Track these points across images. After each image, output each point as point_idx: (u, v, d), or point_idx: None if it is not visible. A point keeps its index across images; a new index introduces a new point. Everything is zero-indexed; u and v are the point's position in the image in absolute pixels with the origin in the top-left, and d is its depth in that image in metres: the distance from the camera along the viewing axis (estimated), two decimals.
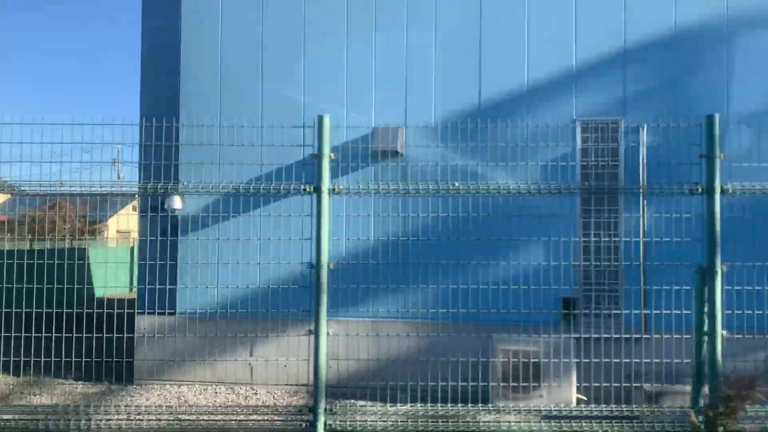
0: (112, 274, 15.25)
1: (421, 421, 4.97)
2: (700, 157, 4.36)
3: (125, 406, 4.93)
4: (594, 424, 4.91)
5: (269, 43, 7.85)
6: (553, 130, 6.87)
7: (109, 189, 5.90)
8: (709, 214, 4.18)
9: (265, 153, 5.25)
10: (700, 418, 4.17)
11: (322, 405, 4.32)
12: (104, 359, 6.21)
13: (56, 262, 6.58)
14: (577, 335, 6.46)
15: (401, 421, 4.89)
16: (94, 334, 6.07)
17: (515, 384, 6.29)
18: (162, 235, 7.07)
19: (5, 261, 6.64)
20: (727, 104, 6.99)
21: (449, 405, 5.04)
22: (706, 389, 4.37)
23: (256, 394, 7.31)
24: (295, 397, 7.08)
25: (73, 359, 5.94)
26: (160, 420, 4.64)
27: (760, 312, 4.97)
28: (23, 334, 5.84)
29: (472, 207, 6.59)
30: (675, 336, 5.30)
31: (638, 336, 6.20)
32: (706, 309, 4.31)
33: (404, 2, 7.65)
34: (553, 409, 5.22)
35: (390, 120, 7.48)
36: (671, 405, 5.11)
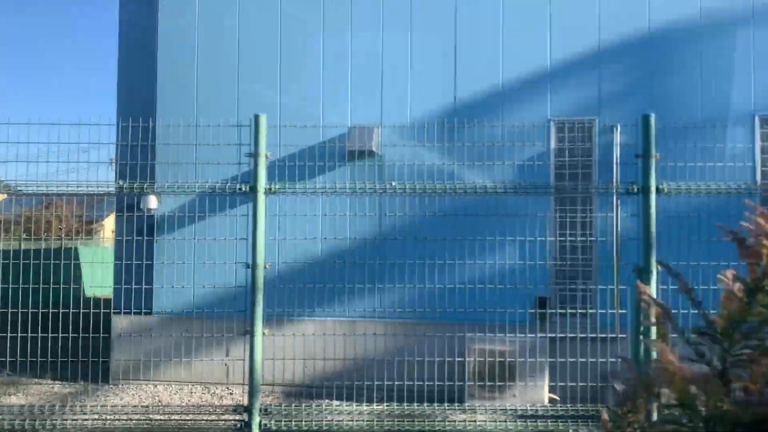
0: (102, 273, 15.19)
1: (387, 421, 4.98)
2: (636, 157, 4.34)
3: (90, 406, 4.92)
4: (561, 424, 4.92)
5: (245, 42, 7.85)
6: (527, 130, 6.87)
7: (86, 189, 5.92)
8: (644, 213, 4.16)
9: (224, 152, 5.21)
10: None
11: (257, 405, 4.29)
12: (80, 359, 6.19)
13: (41, 261, 6.56)
14: (551, 335, 6.46)
15: (367, 421, 4.89)
16: (71, 334, 6.06)
17: (489, 383, 6.30)
18: (138, 235, 7.07)
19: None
20: (701, 104, 7.01)
21: (423, 404, 5.04)
22: None
23: (231, 394, 7.30)
24: (270, 397, 7.07)
25: (49, 359, 5.93)
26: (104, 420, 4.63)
27: (695, 312, 4.95)
28: None
29: (447, 206, 6.61)
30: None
31: (613, 336, 6.21)
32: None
33: (380, 3, 7.65)
34: (526, 408, 5.23)
35: (365, 120, 7.48)
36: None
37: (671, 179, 4.74)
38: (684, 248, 4.81)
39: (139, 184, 5.14)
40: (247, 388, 4.28)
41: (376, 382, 6.14)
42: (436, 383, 6.06)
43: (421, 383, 6.04)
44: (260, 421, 4.18)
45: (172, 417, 4.40)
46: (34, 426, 4.87)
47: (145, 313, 7.44)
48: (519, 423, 5.16)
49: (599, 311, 6.59)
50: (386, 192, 4.95)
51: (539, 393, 6.35)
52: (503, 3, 7.48)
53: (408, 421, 4.91)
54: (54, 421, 4.89)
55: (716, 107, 6.96)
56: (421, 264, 6.73)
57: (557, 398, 6.22)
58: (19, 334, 5.99)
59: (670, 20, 7.20)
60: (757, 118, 6.93)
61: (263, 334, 4.09)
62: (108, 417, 4.72)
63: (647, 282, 4.03)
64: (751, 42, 7.08)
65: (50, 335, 6.08)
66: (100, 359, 6.81)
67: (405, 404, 4.99)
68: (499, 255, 6.68)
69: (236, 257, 5.60)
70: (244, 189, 4.31)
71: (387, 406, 4.95)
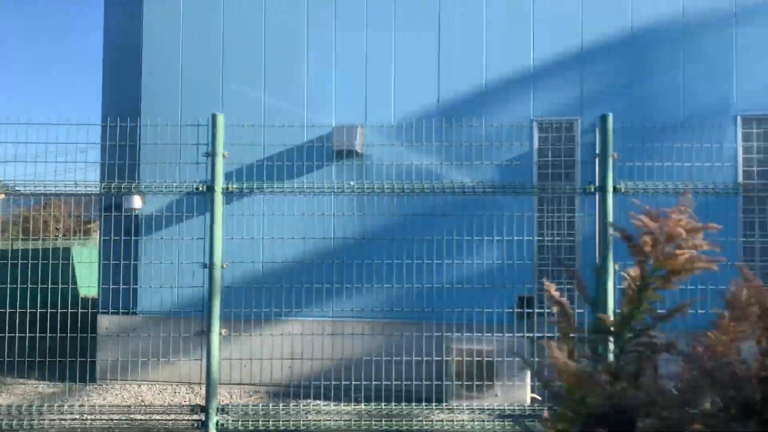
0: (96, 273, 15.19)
1: (366, 421, 4.99)
2: (595, 156, 4.35)
3: (68, 406, 4.94)
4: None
5: (230, 41, 7.86)
6: (510, 130, 6.88)
7: (74, 189, 5.94)
8: (602, 212, 4.16)
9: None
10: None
11: (214, 404, 4.31)
12: (68, 359, 6.20)
13: (34, 262, 6.56)
14: (532, 334, 6.47)
15: (345, 420, 4.90)
16: (58, 334, 6.07)
17: (471, 383, 6.31)
18: (124, 235, 7.07)
19: None
20: (683, 104, 7.02)
21: (404, 404, 5.05)
22: None
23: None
24: (254, 397, 7.09)
25: (37, 359, 5.95)
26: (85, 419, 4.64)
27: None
28: None
29: (430, 206, 6.62)
30: None
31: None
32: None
33: (364, 3, 7.66)
34: (506, 408, 5.23)
35: (349, 119, 7.49)
36: None
37: (648, 180, 4.76)
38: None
39: (116, 183, 5.16)
40: (205, 388, 4.29)
41: (356, 382, 6.14)
42: (415, 383, 6.08)
43: (403, 383, 6.05)
44: (217, 421, 4.19)
45: (133, 417, 4.42)
46: (12, 426, 4.89)
47: (131, 313, 7.46)
48: (500, 423, 5.17)
49: (577, 311, 6.59)
50: (364, 191, 4.97)
51: (521, 393, 6.36)
52: (486, 3, 7.49)
53: (389, 421, 4.93)
54: (32, 422, 4.90)
55: (698, 107, 6.97)
56: (403, 264, 6.73)
57: (539, 398, 6.23)
58: (7, 334, 6.00)
59: (652, 20, 7.21)
60: (739, 118, 6.94)
61: (220, 333, 4.11)
62: (68, 417, 4.73)
63: (605, 281, 4.04)
64: (733, 42, 7.09)
65: (38, 335, 6.10)
66: (88, 359, 6.83)
67: (386, 404, 5.00)
68: (481, 255, 6.69)
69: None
70: (201, 189, 4.30)
71: (366, 405, 4.96)
